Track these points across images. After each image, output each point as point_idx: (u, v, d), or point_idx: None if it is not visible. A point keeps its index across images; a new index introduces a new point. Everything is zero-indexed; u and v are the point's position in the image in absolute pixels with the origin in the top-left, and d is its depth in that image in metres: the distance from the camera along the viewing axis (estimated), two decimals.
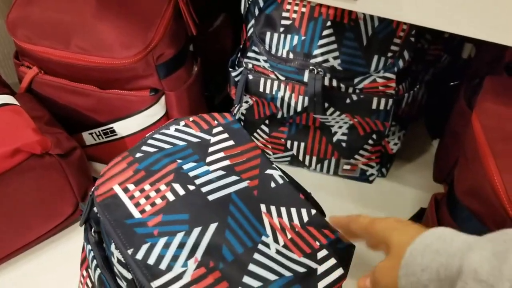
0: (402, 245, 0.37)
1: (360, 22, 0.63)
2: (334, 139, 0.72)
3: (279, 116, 0.71)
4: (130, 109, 0.65)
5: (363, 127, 0.70)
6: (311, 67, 0.64)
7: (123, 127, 0.68)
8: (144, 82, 0.64)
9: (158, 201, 0.43)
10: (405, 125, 0.74)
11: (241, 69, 0.71)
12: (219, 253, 0.40)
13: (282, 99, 0.69)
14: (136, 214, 0.42)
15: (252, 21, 0.67)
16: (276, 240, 0.43)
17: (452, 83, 0.81)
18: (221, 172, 0.46)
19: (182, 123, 0.50)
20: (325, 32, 0.64)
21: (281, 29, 0.65)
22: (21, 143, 0.54)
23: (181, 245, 0.40)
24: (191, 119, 0.50)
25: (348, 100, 0.66)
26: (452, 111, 0.69)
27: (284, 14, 0.64)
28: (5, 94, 0.62)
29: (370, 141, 0.71)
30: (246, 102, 0.73)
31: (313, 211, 0.46)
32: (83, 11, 0.62)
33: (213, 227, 0.41)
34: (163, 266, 0.39)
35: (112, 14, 0.62)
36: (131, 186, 0.43)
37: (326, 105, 0.67)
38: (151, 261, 0.39)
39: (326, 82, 0.65)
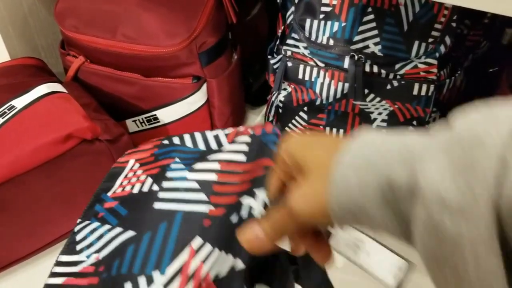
0: (320, 164, 0.28)
1: (401, 7, 0.63)
2: (374, 125, 0.72)
3: (317, 103, 0.72)
4: (172, 96, 0.67)
5: (403, 113, 0.69)
6: (351, 53, 0.65)
7: (166, 114, 0.69)
8: (186, 69, 0.66)
9: (128, 188, 0.41)
10: (445, 111, 0.73)
11: (280, 56, 0.71)
12: (114, 262, 0.36)
13: (322, 85, 0.69)
14: (110, 192, 0.42)
15: (292, 9, 0.68)
16: (167, 285, 0.34)
17: (491, 70, 0.79)
18: (194, 185, 0.39)
19: (226, 131, 0.44)
20: (366, 18, 0.64)
21: (321, 16, 0.65)
22: (72, 129, 0.56)
23: (100, 237, 0.38)
24: (231, 129, 0.45)
25: (388, 86, 0.66)
26: (493, 97, 0.68)
27: (324, 1, 0.64)
28: (54, 82, 0.65)
29: (411, 128, 0.71)
30: (285, 89, 0.74)
31: (240, 266, 0.36)
32: (128, 1, 0.64)
33: (130, 234, 0.37)
34: (79, 247, 0.39)
35: (156, 3, 0.63)
36: (136, 166, 0.43)
37: (366, 91, 0.67)
38: (78, 237, 0.40)
39: (367, 68, 0.65)
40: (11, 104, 0.59)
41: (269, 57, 0.72)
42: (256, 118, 0.84)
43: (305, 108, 0.73)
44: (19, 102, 0.59)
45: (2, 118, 0.58)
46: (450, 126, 0.24)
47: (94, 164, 0.60)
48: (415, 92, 0.66)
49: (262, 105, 0.86)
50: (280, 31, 0.73)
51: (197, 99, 0.67)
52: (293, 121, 0.75)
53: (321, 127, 0.74)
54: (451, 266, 0.22)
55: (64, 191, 0.59)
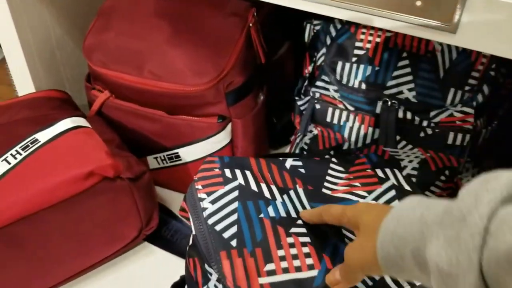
0: (369, 224, 0.38)
1: (438, 53, 0.61)
2: (404, 173, 0.68)
3: (345, 147, 0.69)
4: (196, 135, 0.65)
5: (435, 162, 0.66)
6: (384, 99, 0.63)
7: (188, 153, 0.67)
8: (212, 109, 0.64)
9: None
10: (479, 162, 0.70)
11: (307, 98, 0.69)
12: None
13: (351, 129, 0.67)
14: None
15: (323, 50, 0.67)
16: None
17: None
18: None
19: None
20: (400, 63, 0.62)
21: (354, 59, 0.63)
22: (94, 166, 0.55)
23: None
24: None
25: (422, 134, 0.63)
26: None
27: (358, 44, 0.63)
28: (78, 116, 0.63)
29: (442, 177, 0.67)
30: (311, 131, 0.72)
31: None
32: (157, 38, 0.63)
33: None
34: None
35: (184, 41, 0.62)
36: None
37: (398, 138, 0.64)
38: None
39: (400, 114, 0.63)
40: (34, 138, 0.58)
41: (296, 98, 0.71)
42: None
43: (332, 153, 0.71)
44: (43, 136, 0.58)
45: (25, 151, 0.56)
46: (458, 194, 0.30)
47: (114, 202, 0.58)
48: (449, 141, 0.63)
49: (284, 145, 0.83)
50: (306, 71, 0.72)
51: (221, 139, 0.65)
52: None
53: None
54: None
55: (80, 229, 0.57)
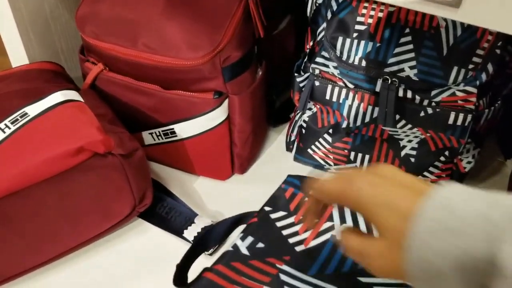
0: (397, 229, 0.29)
1: (442, 30, 0.59)
2: (402, 153, 0.67)
3: (343, 125, 0.68)
4: (192, 111, 0.64)
5: (435, 142, 0.65)
6: (384, 76, 0.61)
7: (184, 129, 0.66)
8: (208, 84, 0.62)
9: None
10: (480, 142, 0.68)
11: (307, 74, 0.68)
12: None
13: (350, 108, 0.65)
14: None
15: (323, 25, 0.64)
16: None
17: None
18: None
19: None
20: (403, 40, 0.60)
21: (355, 35, 0.61)
22: (85, 142, 0.54)
23: None
24: None
25: (422, 113, 0.62)
26: None
27: (359, 19, 0.61)
28: (70, 89, 0.62)
29: (442, 158, 0.66)
30: (310, 109, 0.70)
31: None
32: (151, 10, 0.61)
33: None
34: None
35: (180, 13, 0.60)
36: None
37: (397, 117, 0.63)
38: None
39: (400, 93, 0.61)
40: (24, 111, 0.57)
41: (295, 74, 0.69)
42: (277, 136, 0.81)
43: (330, 131, 0.69)
44: (33, 110, 0.57)
45: (14, 125, 0.55)
46: None
47: (105, 179, 0.57)
48: (450, 121, 0.61)
49: (284, 123, 0.82)
50: (308, 47, 0.70)
51: (218, 115, 0.64)
52: (316, 143, 0.71)
53: (346, 151, 0.69)
54: None
55: (71, 206, 0.56)
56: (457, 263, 0.26)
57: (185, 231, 0.64)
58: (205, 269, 0.44)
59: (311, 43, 0.69)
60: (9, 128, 0.55)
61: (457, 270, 0.26)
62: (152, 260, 0.62)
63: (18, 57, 0.71)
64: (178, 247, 0.62)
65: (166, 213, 0.66)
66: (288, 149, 0.76)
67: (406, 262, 0.28)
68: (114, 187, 0.58)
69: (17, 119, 0.56)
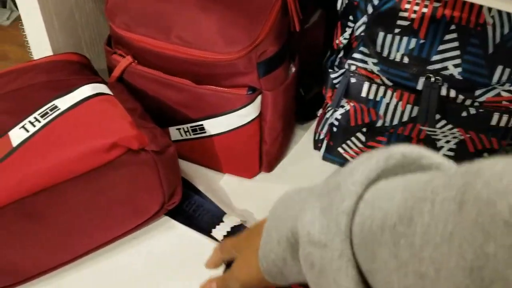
0: (252, 240, 0.36)
1: (488, 27, 0.56)
2: (440, 154, 0.65)
3: (378, 124, 0.65)
4: (224, 107, 0.61)
5: (474, 144, 0.63)
6: (427, 74, 0.58)
7: (213, 125, 0.64)
8: (242, 79, 0.60)
9: None
10: None
11: (342, 71, 0.65)
12: None
13: (387, 106, 0.63)
14: None
15: (363, 19, 0.62)
16: None
17: None
18: None
19: None
20: (447, 37, 0.57)
21: (397, 30, 0.59)
22: (118, 137, 0.51)
23: None
24: None
25: (464, 114, 0.60)
26: None
27: (402, 14, 0.58)
28: (99, 82, 0.60)
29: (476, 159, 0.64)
30: (342, 106, 0.68)
31: None
32: (186, 1, 0.59)
33: None
34: None
35: (216, 6, 0.58)
36: None
37: (438, 116, 0.61)
38: None
39: (443, 92, 0.59)
40: (54, 104, 0.54)
41: (330, 70, 0.66)
42: (303, 133, 0.78)
43: (364, 129, 0.67)
44: (63, 103, 0.55)
45: (44, 119, 0.53)
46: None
47: (137, 176, 0.55)
48: (493, 122, 0.59)
49: (311, 120, 0.80)
50: (337, 42, 0.67)
51: (250, 112, 0.62)
52: (348, 141, 0.69)
53: None
54: None
55: (102, 202, 0.54)
56: (285, 242, 0.31)
57: (213, 229, 0.62)
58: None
59: (340, 38, 0.67)
60: (39, 122, 0.52)
61: (286, 250, 0.31)
62: (178, 258, 0.60)
63: (41, 49, 0.69)
64: (205, 246, 0.60)
65: (193, 211, 0.64)
66: (316, 147, 0.74)
67: (259, 257, 0.34)
68: (145, 184, 0.56)
69: (47, 112, 0.53)
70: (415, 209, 0.22)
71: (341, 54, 0.66)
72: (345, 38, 0.64)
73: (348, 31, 0.63)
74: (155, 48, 0.59)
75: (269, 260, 0.33)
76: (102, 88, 0.58)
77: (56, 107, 0.54)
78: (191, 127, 0.65)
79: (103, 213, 0.55)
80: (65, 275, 0.57)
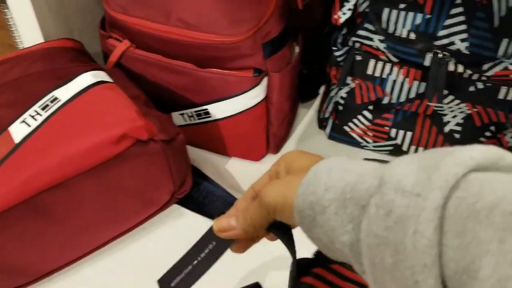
0: (302, 168, 0.31)
1: (494, 0, 0.55)
2: (446, 129, 0.65)
3: (385, 101, 0.65)
4: (229, 90, 0.60)
5: (481, 117, 0.63)
6: (434, 50, 0.57)
7: (219, 109, 0.62)
8: (247, 61, 0.58)
9: None
10: None
11: (346, 48, 0.64)
12: None
13: (394, 83, 0.62)
14: None
15: None
16: None
17: None
18: None
19: None
20: (454, 11, 0.56)
21: (402, 6, 0.57)
22: (127, 128, 0.50)
23: None
24: None
25: (472, 88, 0.59)
26: None
27: None
28: (97, 69, 0.57)
29: (487, 133, 0.64)
30: (347, 84, 0.67)
31: None
32: None
33: None
34: None
35: None
36: None
37: (445, 92, 0.60)
38: None
39: (450, 67, 0.58)
40: (53, 96, 0.52)
41: (333, 48, 0.65)
42: (306, 112, 0.77)
43: (370, 107, 0.66)
44: (63, 93, 0.52)
45: (46, 111, 0.50)
46: None
47: (146, 167, 0.53)
48: (501, 96, 0.59)
49: (313, 98, 0.79)
50: (336, 17, 0.65)
51: (256, 94, 0.60)
52: (355, 120, 0.68)
53: (387, 128, 0.67)
54: (392, 242, 0.24)
55: (111, 196, 0.53)
56: (338, 195, 0.28)
57: None
58: (303, 273, 0.41)
59: (339, 13, 0.65)
60: (40, 115, 0.50)
61: (337, 203, 0.28)
62: (190, 246, 0.60)
63: (32, 34, 0.65)
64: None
65: (203, 197, 0.63)
66: (321, 126, 0.73)
67: (297, 194, 0.30)
68: (155, 175, 0.54)
69: (48, 105, 0.51)
70: None
71: (344, 31, 0.64)
72: (343, 13, 0.63)
73: (347, 5, 0.61)
74: (154, 32, 0.57)
75: (307, 200, 0.29)
76: (102, 75, 0.56)
77: (56, 98, 0.52)
78: (195, 111, 0.64)
79: (113, 207, 0.54)
80: (78, 269, 0.56)
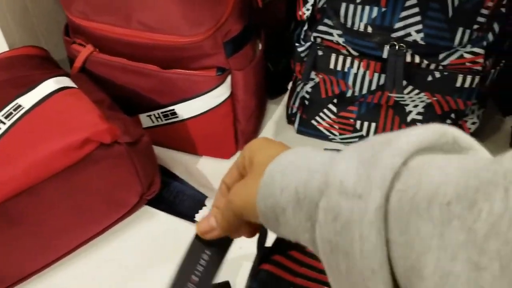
0: (261, 164, 0.31)
1: None
2: (409, 118, 0.67)
3: (348, 94, 0.66)
4: (194, 90, 0.61)
5: (441, 106, 0.65)
6: (391, 42, 0.59)
7: (185, 109, 0.63)
8: (209, 61, 0.59)
9: None
10: (484, 103, 0.69)
11: (308, 44, 0.65)
12: None
13: (355, 76, 0.64)
14: None
15: None
16: None
17: None
18: None
19: None
20: (408, 3, 0.58)
21: (359, 0, 0.59)
22: (89, 133, 0.50)
23: None
24: None
25: (430, 78, 0.61)
26: None
27: None
28: (61, 75, 0.58)
29: (448, 121, 0.66)
30: (312, 79, 0.68)
31: None
32: None
33: None
34: None
35: None
36: None
37: (405, 83, 0.62)
38: None
39: (408, 58, 0.60)
40: (17, 103, 0.52)
41: (296, 44, 0.66)
42: (275, 108, 0.79)
43: (335, 100, 0.68)
44: (26, 101, 0.53)
45: (9, 120, 0.51)
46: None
47: (112, 170, 0.54)
48: (458, 84, 0.61)
49: (281, 94, 0.80)
50: (300, 13, 0.67)
51: (221, 93, 0.61)
52: (321, 113, 0.70)
53: (351, 120, 0.68)
54: (342, 248, 0.23)
55: (80, 199, 0.53)
56: (293, 194, 0.27)
57: (196, 215, 0.62)
58: (262, 261, 0.42)
59: (303, 10, 0.66)
60: (4, 124, 0.51)
61: (294, 203, 0.27)
62: (163, 247, 0.60)
63: None
64: (189, 232, 0.60)
65: (173, 197, 0.64)
66: (290, 121, 0.75)
67: (257, 199, 0.30)
68: (121, 177, 0.55)
69: (11, 113, 0.51)
70: (480, 192, 0.19)
71: (305, 27, 0.66)
72: (307, 9, 0.64)
73: (310, 1, 0.63)
74: (116, 35, 0.58)
75: (268, 203, 0.29)
76: (65, 81, 0.56)
77: (19, 106, 0.52)
78: (162, 113, 0.65)
79: (81, 210, 0.54)
80: (49, 276, 0.57)
